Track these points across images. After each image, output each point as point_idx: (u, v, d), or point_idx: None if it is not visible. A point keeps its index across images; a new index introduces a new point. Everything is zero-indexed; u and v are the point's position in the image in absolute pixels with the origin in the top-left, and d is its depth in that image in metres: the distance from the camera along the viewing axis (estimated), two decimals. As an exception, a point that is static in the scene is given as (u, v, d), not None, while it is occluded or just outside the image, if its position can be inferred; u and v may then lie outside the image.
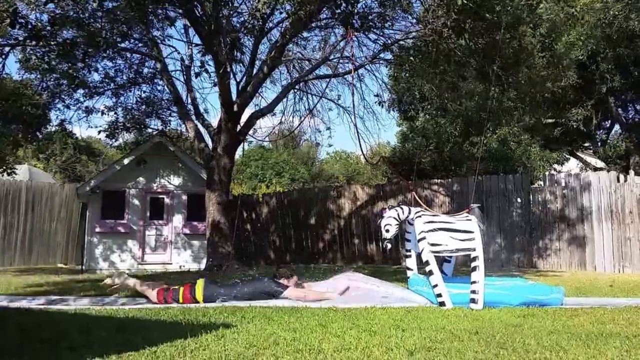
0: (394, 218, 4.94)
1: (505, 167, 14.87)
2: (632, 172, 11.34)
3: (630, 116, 17.74)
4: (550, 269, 10.68)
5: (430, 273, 4.55)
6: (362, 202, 13.15)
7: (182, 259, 12.23)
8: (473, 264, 4.55)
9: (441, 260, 5.48)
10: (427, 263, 4.57)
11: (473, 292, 4.46)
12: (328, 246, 13.22)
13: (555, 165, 18.13)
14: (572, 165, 19.88)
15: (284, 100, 12.11)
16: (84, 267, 11.48)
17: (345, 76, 12.05)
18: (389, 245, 4.97)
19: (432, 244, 4.58)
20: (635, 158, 16.02)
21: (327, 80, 12.45)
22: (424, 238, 4.60)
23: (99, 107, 11.98)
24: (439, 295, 4.53)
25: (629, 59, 14.00)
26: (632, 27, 12.66)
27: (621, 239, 10.33)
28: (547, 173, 13.83)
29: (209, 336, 2.93)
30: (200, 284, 4.90)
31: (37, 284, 6.99)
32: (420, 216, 4.81)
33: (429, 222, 4.75)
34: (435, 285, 4.53)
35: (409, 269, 5.29)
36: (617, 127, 18.48)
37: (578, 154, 18.86)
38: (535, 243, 11.34)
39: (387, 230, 4.90)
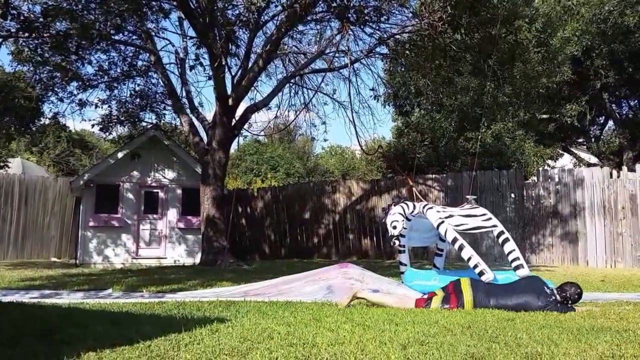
0: (400, 214, 4.86)
1: (499, 162, 14.93)
2: (625, 168, 11.41)
3: (624, 112, 17.86)
4: (542, 264, 10.75)
5: (461, 248, 4.46)
6: (357, 197, 13.17)
7: (176, 254, 12.20)
8: (502, 238, 4.55)
9: (433, 254, 5.51)
10: (454, 240, 4.49)
11: (515, 259, 4.41)
12: (323, 241, 13.25)
13: (549, 161, 18.20)
14: (566, 160, 19.97)
15: (280, 94, 12.10)
16: (77, 261, 11.43)
17: (341, 70, 12.04)
18: (397, 242, 4.89)
19: (455, 225, 4.59)
20: (628, 154, 16.12)
21: (323, 74, 12.42)
22: (442, 222, 4.60)
23: (92, 100, 11.96)
24: (476, 266, 4.39)
25: (624, 55, 14.05)
26: (627, 23, 12.70)
27: (613, 234, 10.42)
28: (540, 169, 13.90)
29: (203, 330, 2.93)
30: (467, 290, 4.15)
31: (31, 278, 6.96)
32: (431, 207, 4.83)
33: (442, 210, 4.81)
34: (469, 258, 4.43)
35: (402, 263, 5.29)
36: (610, 123, 18.59)
37: (572, 149, 18.95)
38: (528, 238, 11.41)
39: (395, 227, 4.81)
